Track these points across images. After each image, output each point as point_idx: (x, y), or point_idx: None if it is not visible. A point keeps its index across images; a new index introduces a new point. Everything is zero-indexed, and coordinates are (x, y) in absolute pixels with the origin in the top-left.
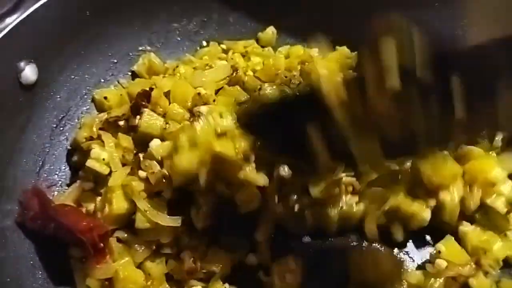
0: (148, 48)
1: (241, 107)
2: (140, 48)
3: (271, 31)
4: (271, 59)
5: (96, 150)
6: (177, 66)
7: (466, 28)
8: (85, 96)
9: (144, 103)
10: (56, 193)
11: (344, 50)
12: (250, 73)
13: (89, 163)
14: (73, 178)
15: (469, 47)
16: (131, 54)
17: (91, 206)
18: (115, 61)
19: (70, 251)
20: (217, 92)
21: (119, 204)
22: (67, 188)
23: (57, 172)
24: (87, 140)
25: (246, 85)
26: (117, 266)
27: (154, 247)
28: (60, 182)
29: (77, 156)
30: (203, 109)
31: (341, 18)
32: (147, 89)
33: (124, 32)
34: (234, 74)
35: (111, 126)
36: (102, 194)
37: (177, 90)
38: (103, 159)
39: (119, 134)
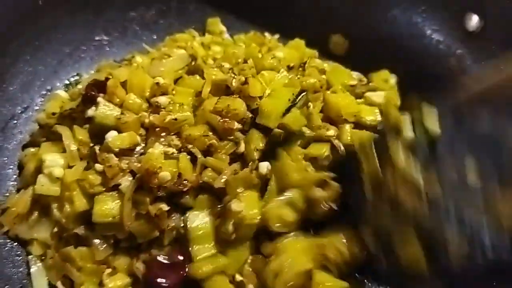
0: (105, 38)
1: None
2: (97, 38)
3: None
4: (231, 48)
5: (48, 161)
6: (133, 56)
7: None
8: (40, 88)
9: (94, 93)
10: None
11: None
12: (211, 61)
13: (37, 189)
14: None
15: None
16: (87, 43)
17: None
18: (69, 51)
19: (32, 249)
20: (175, 82)
21: (81, 202)
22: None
23: (11, 167)
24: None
25: (205, 75)
26: None
27: (112, 241)
28: (13, 177)
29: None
30: (162, 99)
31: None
32: (102, 79)
33: (79, 21)
34: (193, 63)
35: (66, 119)
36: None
37: (134, 80)
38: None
39: (74, 126)
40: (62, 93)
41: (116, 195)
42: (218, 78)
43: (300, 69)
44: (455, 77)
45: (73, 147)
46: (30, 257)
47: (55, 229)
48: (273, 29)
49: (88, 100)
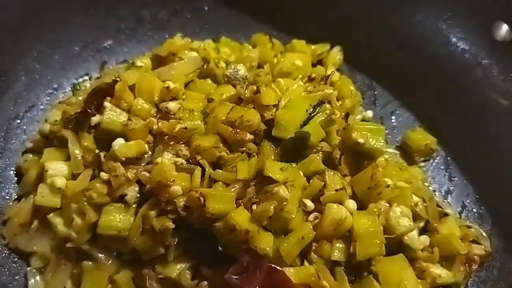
0: (116, 36)
1: None
2: (107, 37)
3: None
4: (245, 51)
5: (50, 170)
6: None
7: None
8: (46, 86)
9: (97, 103)
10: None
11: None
12: (222, 64)
13: (38, 200)
14: None
15: None
16: (97, 42)
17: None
18: (79, 49)
19: (31, 261)
20: (186, 85)
21: (92, 213)
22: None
23: (13, 169)
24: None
25: (218, 78)
26: None
27: (114, 254)
28: (15, 180)
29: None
30: (172, 105)
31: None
32: (106, 83)
33: (90, 18)
34: (205, 66)
35: (71, 124)
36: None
37: (143, 83)
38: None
39: (80, 132)
40: (63, 101)
41: (123, 206)
42: (229, 95)
43: (322, 82)
44: (481, 87)
45: (78, 154)
46: (29, 268)
47: (55, 242)
48: (288, 32)
49: (89, 112)
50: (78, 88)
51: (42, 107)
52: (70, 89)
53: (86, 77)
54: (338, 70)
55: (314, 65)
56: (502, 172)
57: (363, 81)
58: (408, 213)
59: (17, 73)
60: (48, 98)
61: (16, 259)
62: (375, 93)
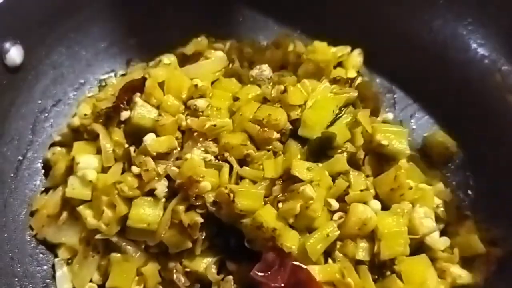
0: (143, 34)
1: None
2: (134, 34)
3: None
4: (270, 51)
5: (81, 163)
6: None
7: None
8: (73, 81)
9: (129, 98)
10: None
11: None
12: (246, 64)
13: (68, 192)
14: None
15: None
16: (124, 39)
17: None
18: (106, 46)
19: (59, 252)
20: (211, 84)
21: (123, 205)
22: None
23: (39, 161)
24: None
25: (242, 78)
26: None
27: (143, 247)
28: (41, 172)
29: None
30: (200, 102)
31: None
32: (138, 78)
33: (117, 15)
34: (231, 65)
35: (101, 118)
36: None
37: (172, 81)
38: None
39: (110, 127)
40: (90, 94)
41: (153, 200)
42: (255, 95)
43: (347, 85)
44: (500, 93)
45: (109, 148)
46: (56, 260)
47: (83, 234)
48: (310, 34)
49: (121, 107)
50: (104, 84)
51: (69, 101)
52: (96, 84)
53: (111, 74)
54: (357, 72)
55: (334, 68)
56: None
57: (382, 84)
58: (431, 214)
59: (45, 67)
60: (75, 93)
61: (44, 250)
62: (395, 96)
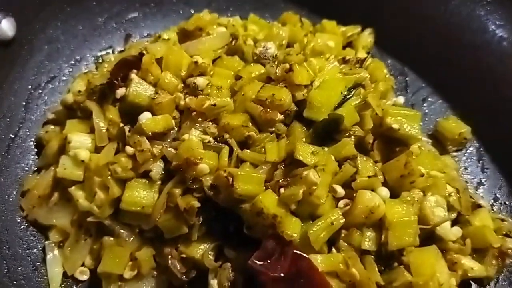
0: (141, 9)
1: None
2: (132, 9)
3: None
4: (275, 28)
5: (74, 142)
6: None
7: None
8: (69, 57)
9: (123, 75)
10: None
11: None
12: (250, 42)
13: (60, 172)
14: None
15: None
16: (121, 14)
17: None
18: (103, 21)
19: (49, 235)
20: (213, 62)
21: (116, 187)
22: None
23: (32, 140)
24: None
25: (246, 56)
26: None
27: (137, 231)
28: (34, 151)
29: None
30: (200, 81)
31: None
32: (133, 56)
33: None
34: (234, 42)
35: (96, 95)
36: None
37: (171, 57)
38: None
39: (104, 104)
40: (86, 71)
41: (148, 182)
42: (258, 74)
43: (357, 65)
44: None
45: (103, 126)
46: (47, 242)
47: (75, 216)
48: (318, 12)
49: (115, 84)
50: (101, 60)
51: (64, 78)
52: (93, 61)
53: (109, 50)
54: (368, 53)
55: (343, 48)
56: None
57: (394, 66)
58: (443, 203)
59: (40, 42)
60: (71, 70)
61: (34, 232)
62: (407, 79)
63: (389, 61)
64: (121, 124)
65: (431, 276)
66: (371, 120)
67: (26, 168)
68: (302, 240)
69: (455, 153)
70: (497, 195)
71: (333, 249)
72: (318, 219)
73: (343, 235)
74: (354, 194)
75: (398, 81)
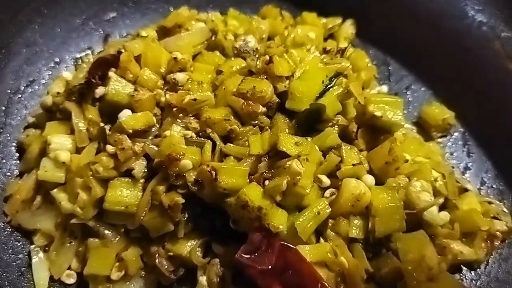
0: (119, 9)
1: None
2: (110, 9)
3: None
4: (255, 22)
5: (53, 144)
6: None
7: None
8: (48, 60)
9: (101, 74)
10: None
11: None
12: (231, 37)
13: (41, 175)
14: None
15: None
16: (99, 15)
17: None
18: (81, 22)
19: (34, 239)
20: (193, 58)
21: (98, 187)
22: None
23: (14, 144)
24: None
25: (226, 51)
26: None
27: (122, 231)
28: (16, 156)
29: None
30: (180, 76)
31: None
32: (110, 55)
33: None
34: (213, 38)
35: (74, 95)
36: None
37: (150, 54)
38: (64, 155)
39: (84, 104)
40: (66, 74)
41: (131, 181)
42: (239, 68)
43: (338, 55)
44: (499, 62)
45: (82, 127)
46: (32, 247)
47: (59, 219)
48: (298, 5)
49: (93, 84)
50: (81, 62)
51: (44, 81)
52: (72, 63)
53: (88, 51)
54: (350, 44)
55: (325, 40)
56: None
57: (376, 56)
58: (428, 188)
59: (18, 45)
60: (50, 73)
61: (19, 237)
62: (389, 68)
63: (371, 51)
64: (102, 124)
65: (419, 260)
66: (354, 109)
67: (8, 173)
68: (290, 231)
69: (440, 140)
70: (484, 178)
71: (321, 239)
72: (305, 209)
73: (330, 224)
74: (340, 183)
75: (380, 70)
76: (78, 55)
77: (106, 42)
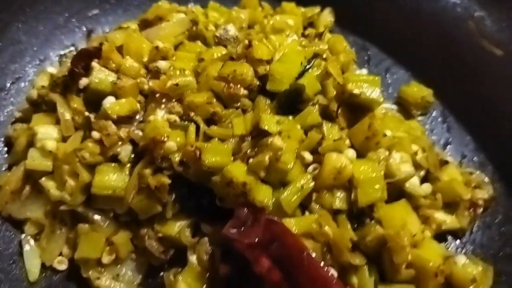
0: (101, 6)
1: None
2: (92, 7)
3: None
4: (235, 12)
5: (40, 134)
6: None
7: None
8: (33, 58)
9: (84, 65)
10: None
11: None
12: (212, 28)
13: (29, 164)
14: None
15: None
16: (82, 12)
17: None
18: (64, 20)
19: (25, 228)
20: (175, 48)
21: (85, 173)
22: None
23: (1, 139)
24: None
25: (208, 41)
26: None
27: (111, 215)
28: (4, 150)
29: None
30: (162, 64)
31: None
32: (92, 47)
33: None
34: (194, 28)
35: (59, 87)
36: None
37: (131, 44)
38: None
39: (68, 95)
40: (50, 69)
41: (117, 166)
42: (220, 55)
43: (316, 39)
44: (474, 41)
45: (68, 116)
46: (23, 236)
47: (48, 207)
48: None
49: (76, 74)
50: (65, 59)
51: (29, 78)
52: (57, 60)
53: (72, 48)
54: (330, 32)
55: (304, 29)
56: (500, 119)
57: (355, 42)
58: (408, 159)
59: (2, 44)
60: (35, 70)
61: (9, 228)
62: (368, 53)
63: (350, 38)
64: (86, 113)
65: (402, 227)
66: (334, 88)
67: None
68: (275, 206)
69: (420, 118)
70: (464, 152)
71: (306, 213)
72: (288, 184)
73: (314, 197)
74: (322, 158)
75: (360, 55)
76: (62, 52)
77: (89, 38)
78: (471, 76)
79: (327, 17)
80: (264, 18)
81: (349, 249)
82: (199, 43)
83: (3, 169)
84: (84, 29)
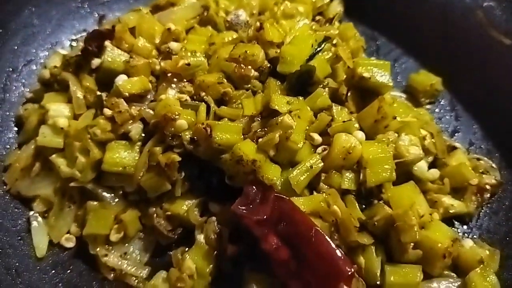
0: None
1: None
2: None
3: None
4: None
5: (52, 111)
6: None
7: None
8: (45, 41)
9: (97, 45)
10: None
11: None
12: (222, 14)
13: (40, 140)
14: None
15: None
16: None
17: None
18: (77, 5)
19: (33, 206)
20: (186, 32)
21: (96, 150)
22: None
23: (12, 119)
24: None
25: (219, 27)
26: None
27: (120, 193)
28: (14, 130)
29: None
30: (174, 45)
31: None
32: (108, 28)
33: None
34: (205, 13)
35: (71, 67)
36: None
37: (144, 26)
38: (62, 121)
39: (80, 74)
40: (63, 51)
41: (128, 143)
42: (231, 39)
43: (327, 24)
44: (483, 30)
45: (80, 94)
46: (31, 213)
47: (58, 185)
48: None
49: (89, 53)
50: (77, 44)
51: (41, 61)
52: (68, 45)
53: (84, 33)
54: (339, 22)
55: (314, 18)
56: (508, 108)
57: (364, 32)
58: (416, 142)
59: (15, 26)
60: (47, 53)
61: (18, 205)
62: (377, 43)
63: (359, 28)
64: (98, 92)
65: (409, 206)
66: (344, 72)
67: (7, 146)
68: (284, 186)
69: (428, 106)
70: (472, 140)
71: (315, 193)
72: (298, 164)
73: (323, 178)
74: (331, 140)
75: (369, 45)
76: (74, 37)
77: (101, 24)
78: (479, 66)
79: (336, 7)
80: (274, 5)
81: (357, 228)
82: (210, 28)
83: (14, 148)
84: (96, 15)
